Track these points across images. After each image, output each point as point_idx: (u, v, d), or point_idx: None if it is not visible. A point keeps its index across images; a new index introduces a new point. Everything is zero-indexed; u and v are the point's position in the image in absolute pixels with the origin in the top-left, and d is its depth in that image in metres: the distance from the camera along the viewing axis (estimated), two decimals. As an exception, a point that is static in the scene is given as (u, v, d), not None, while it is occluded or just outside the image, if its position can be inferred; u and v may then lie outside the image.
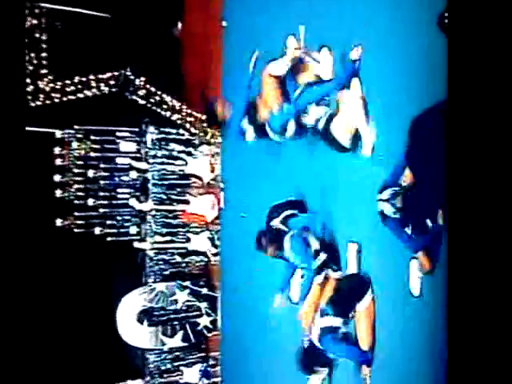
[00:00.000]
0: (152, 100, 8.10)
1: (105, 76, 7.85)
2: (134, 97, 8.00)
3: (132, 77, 7.97)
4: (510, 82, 2.45)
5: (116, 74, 7.91)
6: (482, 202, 2.48)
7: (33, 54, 7.37)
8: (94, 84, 7.78)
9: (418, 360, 4.49)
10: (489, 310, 2.43)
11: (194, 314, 8.05)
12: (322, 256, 4.94)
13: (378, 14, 4.75)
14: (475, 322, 2.46)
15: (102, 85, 7.84)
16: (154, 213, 7.90)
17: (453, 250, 2.57)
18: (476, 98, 2.50)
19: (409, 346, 4.56)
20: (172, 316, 7.93)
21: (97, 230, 7.57)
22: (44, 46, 7.47)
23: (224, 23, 7.37)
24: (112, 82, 7.90)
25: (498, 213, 2.44)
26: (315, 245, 5.01)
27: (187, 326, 7.96)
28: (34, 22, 7.38)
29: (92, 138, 7.75)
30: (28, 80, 7.28)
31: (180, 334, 7.92)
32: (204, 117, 7.79)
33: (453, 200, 2.59)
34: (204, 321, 8.04)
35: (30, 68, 7.34)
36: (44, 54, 7.46)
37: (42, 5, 7.48)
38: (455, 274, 2.53)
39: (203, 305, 8.05)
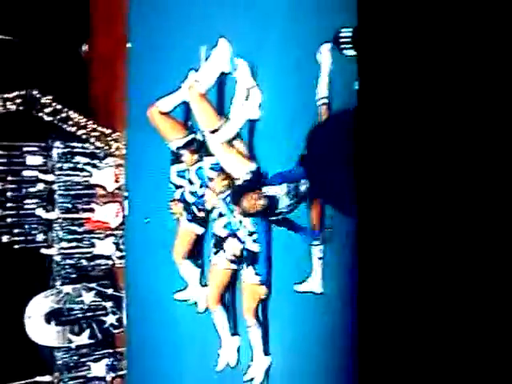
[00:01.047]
0: (58, 117, 8.66)
1: (11, 95, 8.36)
2: (41, 114, 8.54)
3: (38, 95, 8.50)
4: (418, 91, 2.62)
5: (22, 92, 8.42)
6: (392, 203, 2.57)
7: None
8: (0, 103, 8.27)
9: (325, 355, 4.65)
10: (398, 305, 2.52)
11: (100, 313, 8.62)
12: None
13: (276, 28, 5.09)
14: (384, 317, 2.55)
15: (9, 103, 8.33)
16: (60, 221, 8.48)
17: (362, 247, 2.74)
18: (385, 105, 2.65)
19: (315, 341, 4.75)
20: (79, 316, 8.49)
21: (4, 238, 8.09)
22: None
23: (129, 44, 7.95)
24: (18, 101, 8.41)
25: (409, 213, 2.55)
26: None
27: (94, 325, 8.53)
28: None
29: (-1, 152, 8.23)
30: None
31: (87, 332, 8.49)
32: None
33: (361, 199, 2.71)
34: (110, 319, 8.61)
35: None
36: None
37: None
38: (365, 271, 2.65)
39: (109, 304, 8.62)
